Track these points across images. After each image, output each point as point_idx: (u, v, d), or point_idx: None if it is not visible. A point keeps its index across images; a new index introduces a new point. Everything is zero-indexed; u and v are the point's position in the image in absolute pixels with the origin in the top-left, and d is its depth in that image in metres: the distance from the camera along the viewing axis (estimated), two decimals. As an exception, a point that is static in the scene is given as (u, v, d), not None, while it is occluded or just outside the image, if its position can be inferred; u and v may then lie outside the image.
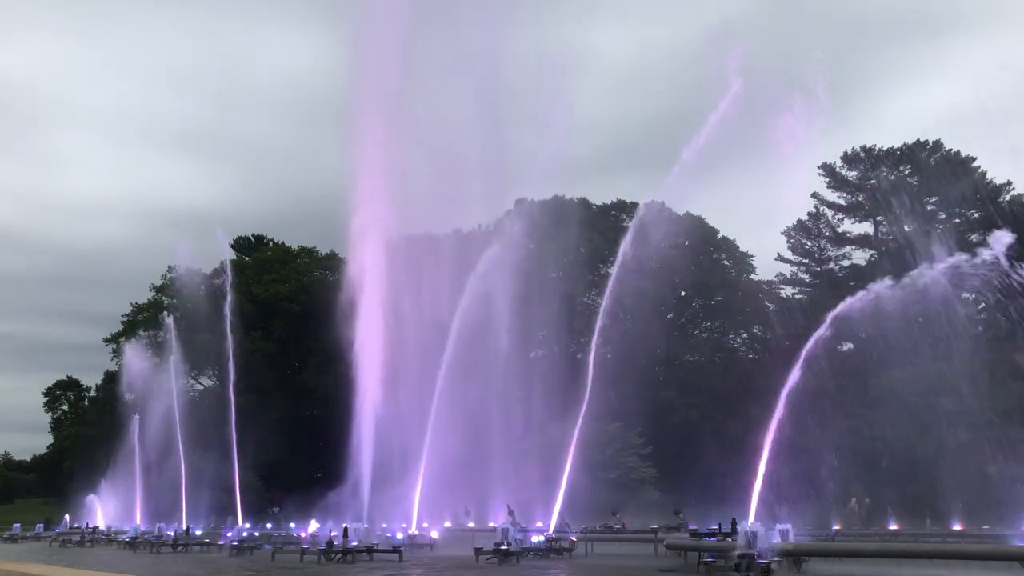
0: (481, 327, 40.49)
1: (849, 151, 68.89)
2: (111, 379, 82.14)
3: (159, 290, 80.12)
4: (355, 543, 28.40)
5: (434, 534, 35.21)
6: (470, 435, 40.19)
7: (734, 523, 23.38)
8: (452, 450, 38.98)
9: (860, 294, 26.91)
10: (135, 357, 60.62)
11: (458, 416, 40.16)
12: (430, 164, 45.09)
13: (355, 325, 41.82)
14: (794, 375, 26.34)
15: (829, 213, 70.22)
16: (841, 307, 26.99)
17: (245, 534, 36.09)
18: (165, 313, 66.96)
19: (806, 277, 71.39)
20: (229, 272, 61.60)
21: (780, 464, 27.62)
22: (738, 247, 74.52)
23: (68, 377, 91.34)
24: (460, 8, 45.04)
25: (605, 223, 71.56)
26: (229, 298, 55.46)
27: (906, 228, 65.75)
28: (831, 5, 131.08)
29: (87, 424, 78.83)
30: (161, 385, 54.41)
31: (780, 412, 26.16)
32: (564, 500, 35.86)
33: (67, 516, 53.60)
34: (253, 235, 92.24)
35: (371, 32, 44.08)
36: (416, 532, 35.42)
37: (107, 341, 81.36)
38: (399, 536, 32.33)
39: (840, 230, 70.35)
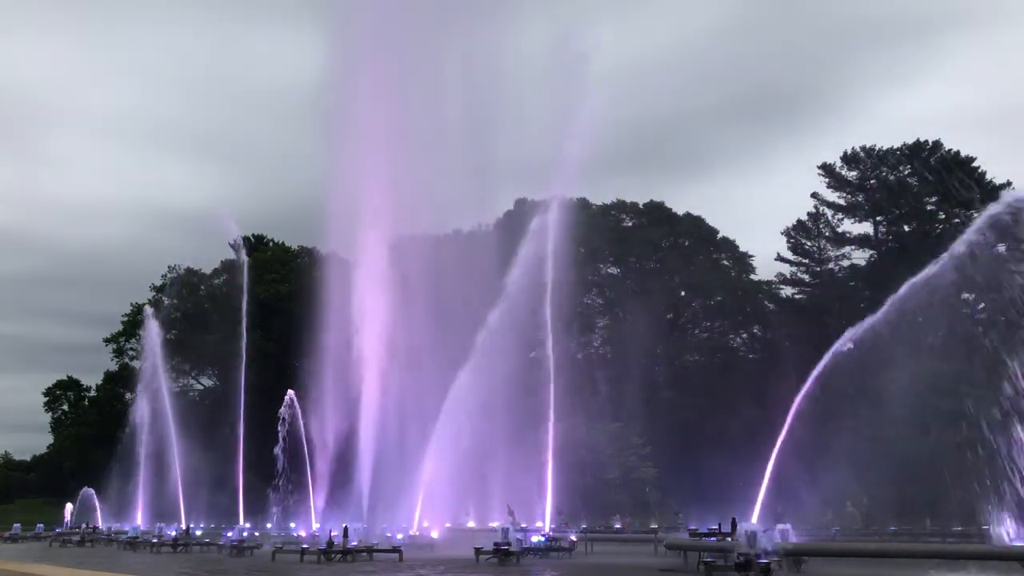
0: (482, 327, 40.45)
1: (849, 151, 68.98)
2: (111, 379, 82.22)
3: (159, 290, 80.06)
4: (355, 543, 28.40)
5: (434, 534, 35.20)
6: (471, 435, 40.13)
7: (734, 523, 23.36)
8: (452, 449, 38.92)
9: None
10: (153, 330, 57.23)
11: (459, 416, 40.10)
12: (430, 164, 45.04)
13: (355, 325, 41.80)
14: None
15: (829, 213, 70.34)
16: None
17: (245, 534, 36.06)
18: (169, 304, 65.88)
19: (806, 277, 71.53)
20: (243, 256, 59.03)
21: (781, 464, 27.65)
22: (738, 247, 74.63)
23: (68, 377, 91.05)
24: (461, 8, 45.04)
25: (605, 223, 71.62)
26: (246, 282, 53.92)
27: (906, 228, 65.84)
28: (831, 5, 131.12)
29: (87, 424, 78.81)
30: (162, 384, 54.23)
31: (791, 419, 26.29)
32: (564, 501, 35.85)
33: (69, 505, 53.21)
34: (253, 235, 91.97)
35: (369, 31, 44.03)
36: (416, 532, 35.39)
37: (107, 341, 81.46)
38: (399, 536, 32.31)
39: (840, 230, 70.45)
